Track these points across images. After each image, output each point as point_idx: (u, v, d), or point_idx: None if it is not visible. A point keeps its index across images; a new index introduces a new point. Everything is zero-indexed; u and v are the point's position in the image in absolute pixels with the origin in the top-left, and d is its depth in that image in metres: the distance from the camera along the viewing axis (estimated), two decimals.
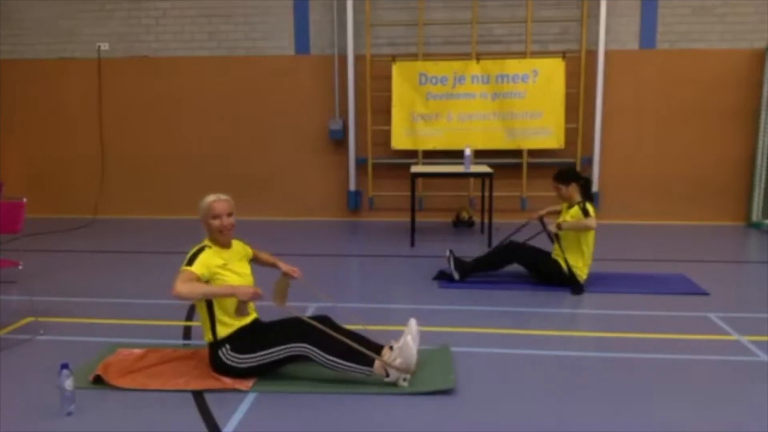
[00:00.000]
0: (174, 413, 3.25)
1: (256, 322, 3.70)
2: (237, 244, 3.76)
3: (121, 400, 3.39)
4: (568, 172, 5.65)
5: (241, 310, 3.45)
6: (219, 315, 3.53)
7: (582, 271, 5.47)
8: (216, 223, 3.58)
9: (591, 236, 5.48)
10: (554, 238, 5.51)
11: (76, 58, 9.14)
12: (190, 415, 3.22)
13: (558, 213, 5.80)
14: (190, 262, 3.45)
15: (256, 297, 3.41)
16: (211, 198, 3.63)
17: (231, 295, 3.43)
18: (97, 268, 6.37)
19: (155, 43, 9.05)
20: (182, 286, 3.33)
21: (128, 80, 9.11)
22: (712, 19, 8.36)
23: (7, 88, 9.16)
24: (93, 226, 8.67)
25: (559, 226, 5.43)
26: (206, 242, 3.62)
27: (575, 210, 5.47)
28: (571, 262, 5.44)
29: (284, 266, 3.88)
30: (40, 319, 4.57)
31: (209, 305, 3.52)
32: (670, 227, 8.36)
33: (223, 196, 3.66)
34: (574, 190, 5.54)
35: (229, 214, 3.62)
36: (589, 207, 5.43)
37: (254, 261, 3.92)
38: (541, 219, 5.76)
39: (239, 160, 9.07)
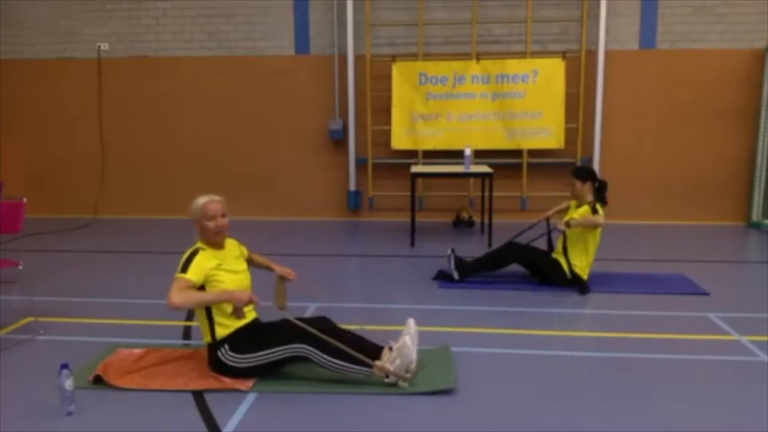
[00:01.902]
0: (174, 413, 3.25)
1: (255, 322, 3.69)
2: (231, 244, 3.75)
3: (121, 400, 3.39)
4: (586, 170, 5.63)
5: (238, 314, 3.46)
6: (217, 317, 3.53)
7: (583, 271, 5.47)
8: (211, 224, 3.55)
9: (597, 236, 5.47)
10: (561, 234, 5.45)
11: (76, 58, 9.14)
12: (190, 415, 3.22)
13: (565, 211, 5.76)
14: (185, 269, 3.43)
15: (250, 302, 3.43)
16: (204, 199, 3.60)
17: (226, 300, 3.44)
18: (97, 268, 6.37)
19: (155, 43, 9.05)
20: (177, 296, 3.34)
21: (128, 80, 9.11)
22: (712, 19, 8.36)
23: (7, 88, 9.16)
24: (93, 226, 8.67)
25: (567, 224, 5.34)
26: (199, 244, 3.59)
27: (584, 209, 5.42)
28: (574, 261, 5.44)
29: (278, 268, 3.86)
30: (40, 319, 4.57)
31: (208, 307, 3.52)
32: (670, 227, 8.36)
33: (215, 197, 3.62)
34: (588, 189, 5.49)
35: (223, 215, 3.60)
36: (599, 208, 5.40)
37: (249, 262, 3.89)
38: (547, 220, 5.76)
39: (239, 160, 9.06)
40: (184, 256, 3.51)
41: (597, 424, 3.13)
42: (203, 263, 3.48)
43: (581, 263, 5.46)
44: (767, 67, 8.14)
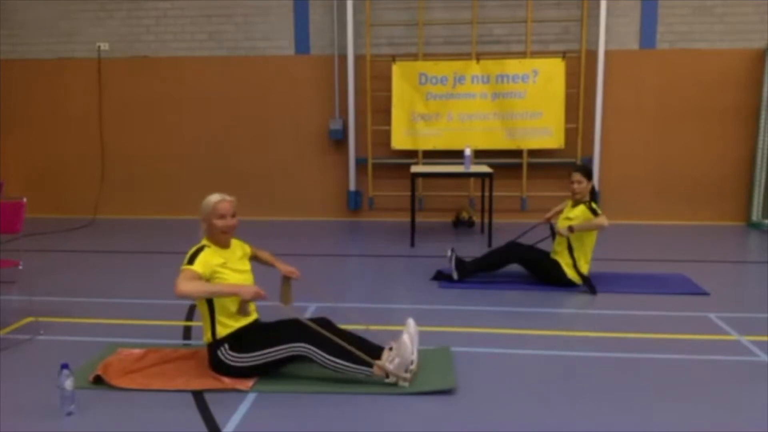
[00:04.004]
0: (174, 413, 3.25)
1: (256, 323, 3.70)
2: (235, 244, 3.77)
3: (121, 400, 3.39)
4: (590, 170, 5.68)
5: (243, 310, 3.45)
6: (219, 315, 3.53)
7: (584, 270, 5.48)
8: (221, 223, 3.58)
9: (594, 236, 5.50)
10: (565, 237, 5.46)
11: (76, 58, 9.14)
12: (190, 415, 3.22)
13: (561, 212, 5.79)
14: (191, 261, 3.45)
15: (258, 297, 3.40)
16: (215, 198, 3.63)
17: (234, 294, 3.43)
18: (97, 268, 6.37)
19: (155, 43, 9.05)
20: (185, 285, 3.34)
21: (128, 80, 9.11)
22: (712, 19, 8.36)
23: (7, 88, 9.16)
24: (93, 226, 8.67)
25: (570, 229, 5.35)
26: (204, 242, 3.61)
27: (582, 209, 5.44)
28: (571, 262, 5.45)
29: (283, 267, 3.90)
30: (40, 319, 4.57)
31: (210, 305, 3.52)
32: (670, 227, 8.36)
33: (227, 197, 3.66)
34: (588, 189, 5.54)
35: (233, 215, 3.63)
36: (597, 207, 5.44)
37: (254, 259, 3.93)
38: (549, 221, 5.79)
39: (239, 160, 9.06)
40: (190, 252, 3.52)
41: (597, 424, 3.13)
42: (209, 259, 3.50)
43: (582, 266, 5.47)
44: (767, 67, 8.15)
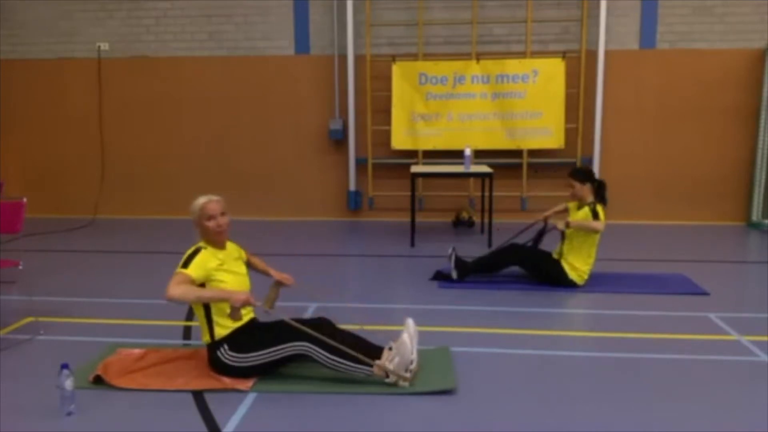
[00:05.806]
0: (174, 413, 3.25)
1: (253, 322, 3.70)
2: (231, 246, 3.77)
3: (121, 400, 3.39)
4: (585, 171, 5.64)
5: (234, 315, 3.45)
6: (216, 317, 3.53)
7: (583, 272, 5.48)
8: (212, 224, 3.58)
9: (596, 239, 5.46)
10: (561, 234, 5.50)
11: (76, 58, 9.14)
12: (190, 415, 3.22)
13: (564, 212, 5.76)
14: (186, 264, 3.45)
15: (248, 303, 3.43)
16: (202, 200, 3.62)
17: (224, 300, 3.44)
18: (97, 268, 6.37)
19: (155, 43, 9.05)
20: (175, 289, 3.36)
21: (128, 80, 9.11)
22: (712, 19, 8.36)
23: (7, 88, 9.16)
24: (93, 226, 8.67)
25: (567, 224, 5.38)
26: (201, 244, 3.61)
27: (584, 211, 5.43)
28: (573, 263, 5.45)
29: (276, 274, 3.87)
30: (40, 319, 4.57)
31: (206, 307, 3.53)
32: (670, 227, 8.36)
33: (213, 197, 3.65)
34: (588, 190, 5.48)
35: (223, 213, 3.61)
36: (600, 209, 5.39)
37: (248, 265, 3.90)
38: (545, 221, 5.78)
39: (239, 160, 9.06)
40: (186, 254, 3.53)
41: (597, 424, 3.13)
42: (205, 262, 3.50)
43: (579, 264, 5.47)
44: (767, 67, 8.14)
